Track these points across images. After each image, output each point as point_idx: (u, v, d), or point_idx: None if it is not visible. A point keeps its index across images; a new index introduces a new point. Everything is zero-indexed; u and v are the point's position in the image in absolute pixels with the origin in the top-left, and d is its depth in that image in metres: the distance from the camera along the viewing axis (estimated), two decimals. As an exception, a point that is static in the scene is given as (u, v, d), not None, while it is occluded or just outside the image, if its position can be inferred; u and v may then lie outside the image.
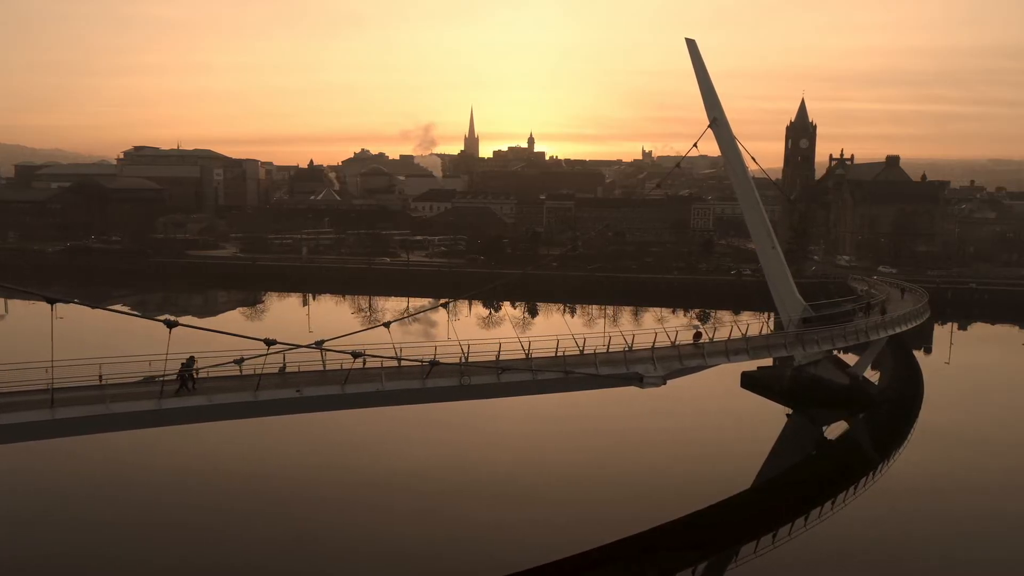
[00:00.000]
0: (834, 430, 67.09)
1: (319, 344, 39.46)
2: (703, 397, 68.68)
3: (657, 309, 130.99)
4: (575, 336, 47.70)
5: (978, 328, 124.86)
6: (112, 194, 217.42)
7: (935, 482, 55.52)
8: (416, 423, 58.12)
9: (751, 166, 69.82)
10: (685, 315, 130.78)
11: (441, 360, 42.10)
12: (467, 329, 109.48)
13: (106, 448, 49.71)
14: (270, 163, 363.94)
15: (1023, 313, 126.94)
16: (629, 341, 49.54)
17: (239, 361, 36.72)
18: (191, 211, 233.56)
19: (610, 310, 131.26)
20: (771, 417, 66.69)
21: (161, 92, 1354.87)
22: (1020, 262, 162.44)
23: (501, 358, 44.15)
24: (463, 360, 43.36)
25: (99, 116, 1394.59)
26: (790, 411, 67.06)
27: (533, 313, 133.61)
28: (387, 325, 43.23)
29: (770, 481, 55.97)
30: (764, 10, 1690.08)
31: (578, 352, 47.05)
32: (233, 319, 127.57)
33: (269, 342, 33.01)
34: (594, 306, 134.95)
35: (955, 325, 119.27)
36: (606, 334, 49.52)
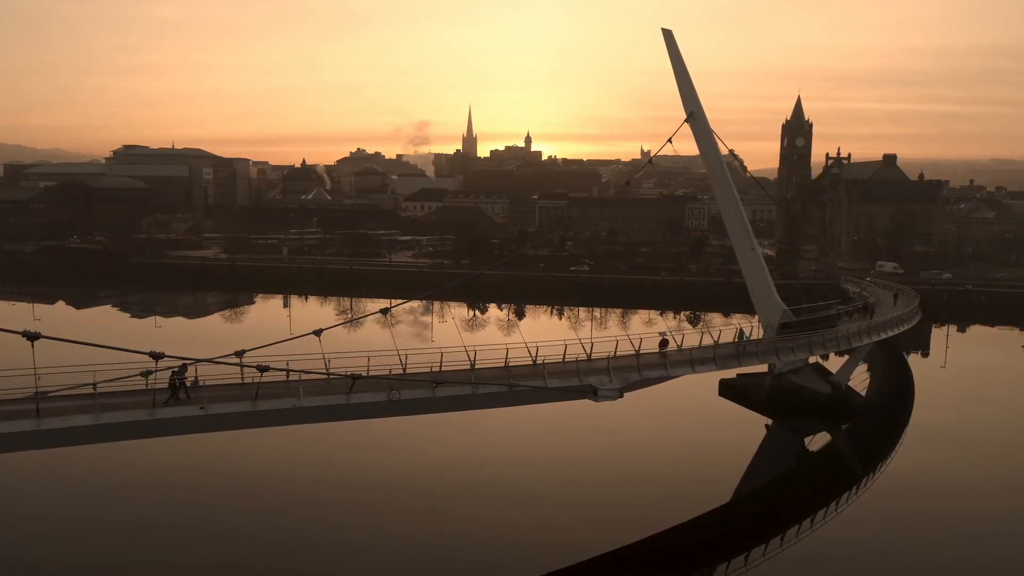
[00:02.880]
0: (816, 441, 63.59)
1: (239, 354, 36.03)
2: (679, 405, 65.05)
3: (646, 311, 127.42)
4: (528, 344, 44.05)
5: (976, 330, 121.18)
6: (97, 193, 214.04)
7: (922, 495, 52.19)
8: (414, 422, 54.73)
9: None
10: (675, 317, 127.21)
11: (376, 371, 38.94)
12: (442, 335, 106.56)
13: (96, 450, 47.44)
14: (265, 162, 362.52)
15: (1022, 315, 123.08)
16: (587, 349, 46.01)
17: (146, 374, 33.30)
18: (180, 211, 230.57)
19: (597, 312, 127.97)
20: (752, 427, 63.16)
21: (163, 92, 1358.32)
22: (1019, 263, 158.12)
23: (443, 369, 40.83)
24: (402, 372, 40.04)
25: (100, 116, 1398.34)
26: (769, 421, 63.44)
27: (520, 315, 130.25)
28: (318, 333, 39.55)
29: (748, 495, 52.69)
30: (764, 10, 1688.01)
31: (530, 362, 43.42)
32: (192, 322, 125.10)
33: (156, 355, 29.33)
34: (581, 308, 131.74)
35: (950, 328, 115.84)
36: (563, 342, 45.67)
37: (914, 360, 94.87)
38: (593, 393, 41.79)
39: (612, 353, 46.72)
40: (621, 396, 43.04)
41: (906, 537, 45.94)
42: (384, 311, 43.01)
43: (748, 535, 45.70)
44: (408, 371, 40.30)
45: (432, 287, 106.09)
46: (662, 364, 46.20)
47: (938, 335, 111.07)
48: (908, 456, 58.98)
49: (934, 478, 54.99)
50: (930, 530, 47.34)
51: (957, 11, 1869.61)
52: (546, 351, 44.92)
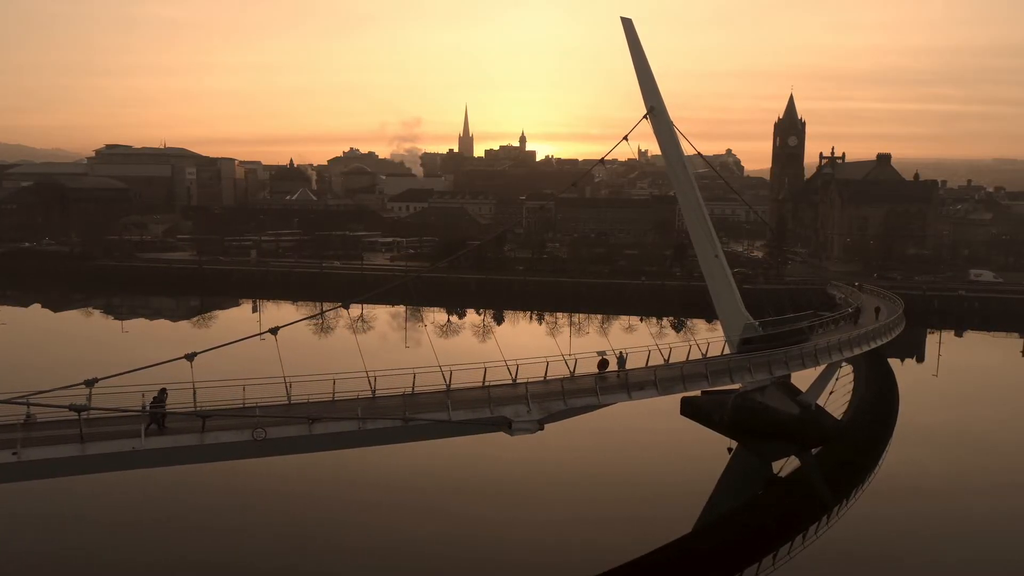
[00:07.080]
0: (784, 467, 58.28)
1: (89, 383, 30.80)
2: (637, 422, 59.76)
3: (627, 318, 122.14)
4: (443, 368, 38.62)
5: (972, 336, 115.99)
6: (73, 194, 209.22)
7: (899, 523, 47.81)
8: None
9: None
10: (658, 323, 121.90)
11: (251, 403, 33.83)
12: (418, 344, 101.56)
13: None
14: (257, 162, 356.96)
15: (1019, 320, 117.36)
16: (511, 372, 40.75)
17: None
18: (162, 211, 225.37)
19: (576, 318, 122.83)
20: (718, 449, 57.93)
21: (164, 92, 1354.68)
22: (1017, 266, 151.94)
23: (336, 399, 35.71)
24: (287, 403, 34.81)
25: (101, 116, 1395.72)
26: (733, 444, 58.04)
27: (500, 321, 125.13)
28: (190, 357, 34.25)
29: (710, 526, 48.12)
30: (764, 10, 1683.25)
31: (440, 388, 38.10)
32: (162, 326, 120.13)
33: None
34: (560, 314, 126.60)
35: (943, 336, 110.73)
36: (482, 365, 40.23)
37: (906, 367, 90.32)
38: (507, 426, 36.44)
39: (542, 377, 41.53)
40: (541, 428, 37.66)
41: (880, 571, 42.04)
42: (273, 331, 37.54)
43: (709, 570, 42.32)
44: (294, 402, 35.16)
45: (401, 291, 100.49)
46: (592, 390, 40.61)
47: (932, 340, 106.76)
48: (885, 480, 54.34)
49: (915, 499, 51.18)
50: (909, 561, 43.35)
51: (958, 11, 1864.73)
52: (461, 375, 39.67)
